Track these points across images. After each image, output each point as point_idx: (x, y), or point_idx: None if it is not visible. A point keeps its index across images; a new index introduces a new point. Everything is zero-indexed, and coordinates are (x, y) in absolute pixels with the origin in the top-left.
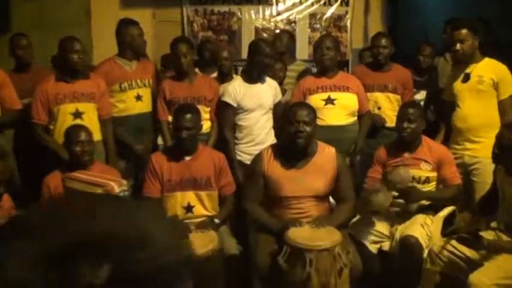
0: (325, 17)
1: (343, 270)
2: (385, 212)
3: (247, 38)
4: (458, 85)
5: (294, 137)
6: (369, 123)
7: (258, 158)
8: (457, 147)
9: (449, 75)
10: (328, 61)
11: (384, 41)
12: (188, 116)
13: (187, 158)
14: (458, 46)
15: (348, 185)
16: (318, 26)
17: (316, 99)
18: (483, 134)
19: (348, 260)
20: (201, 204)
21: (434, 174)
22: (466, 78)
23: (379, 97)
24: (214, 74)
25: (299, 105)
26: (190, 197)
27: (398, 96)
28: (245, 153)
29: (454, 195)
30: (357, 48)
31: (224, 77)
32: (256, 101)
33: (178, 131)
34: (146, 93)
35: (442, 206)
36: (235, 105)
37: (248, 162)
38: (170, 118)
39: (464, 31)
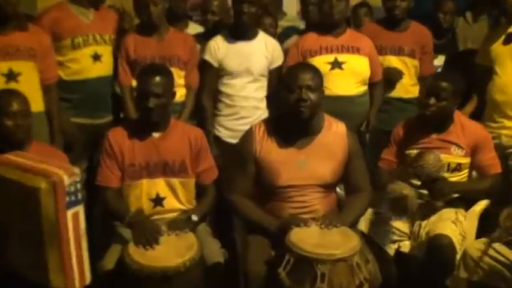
0: None
1: (363, 286)
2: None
3: None
4: (498, 47)
5: (295, 107)
6: (382, 95)
7: (247, 136)
8: (493, 124)
9: (483, 35)
10: (338, 14)
11: None
12: (157, 79)
13: (156, 135)
14: None
15: (362, 171)
16: None
17: (320, 62)
18: None
19: (368, 271)
20: (173, 195)
21: (467, 160)
22: (509, 39)
23: (394, 61)
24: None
25: (301, 66)
26: (159, 185)
27: (416, 62)
28: (225, 127)
29: (493, 186)
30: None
31: (210, 36)
32: (242, 62)
33: (144, 99)
34: (106, 51)
35: (474, 199)
36: (215, 64)
37: (228, 140)
38: (134, 83)
39: None
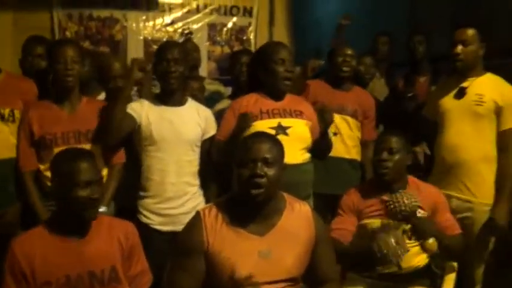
0: (225, 28)
1: None
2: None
3: (133, 50)
4: (448, 101)
5: (248, 185)
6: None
7: (193, 225)
8: (441, 186)
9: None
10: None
11: (350, 51)
12: (83, 165)
13: (76, 239)
14: (459, 48)
15: (330, 259)
16: (218, 38)
17: (262, 128)
18: (478, 171)
19: None
20: None
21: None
22: (461, 93)
23: (337, 119)
24: (101, 96)
25: (256, 135)
26: None
27: (359, 123)
28: (152, 211)
29: (461, 247)
30: None
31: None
32: (170, 129)
33: (69, 191)
34: (4, 130)
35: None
36: (137, 119)
37: (158, 228)
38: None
39: (470, 31)
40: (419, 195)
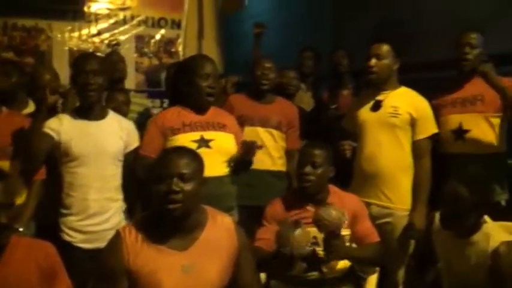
0: (153, 40)
1: None
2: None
3: (58, 61)
4: (365, 113)
5: (164, 201)
6: None
7: (113, 244)
8: (361, 194)
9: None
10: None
11: (269, 63)
12: None
13: None
14: (373, 62)
15: (252, 268)
16: (146, 50)
17: (184, 141)
18: (395, 179)
19: None
20: None
21: (349, 232)
22: (377, 106)
23: (261, 133)
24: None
25: (174, 150)
26: None
27: (283, 135)
28: (74, 229)
29: (378, 256)
30: None
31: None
32: (91, 144)
33: None
34: None
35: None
36: (55, 137)
37: (81, 245)
38: None
39: (385, 47)
40: (341, 204)
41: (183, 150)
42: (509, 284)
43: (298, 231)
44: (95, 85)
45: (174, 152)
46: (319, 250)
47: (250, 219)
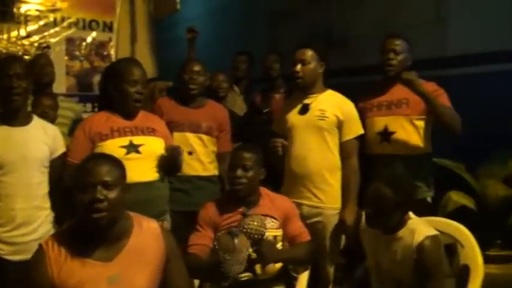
0: (85, 43)
1: None
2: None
3: None
4: (294, 116)
5: (89, 210)
6: None
7: (37, 259)
8: (293, 195)
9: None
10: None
11: (197, 67)
12: None
13: None
14: (299, 67)
15: (182, 274)
16: (77, 53)
17: (113, 147)
18: (325, 180)
19: None
20: None
21: (281, 232)
22: (305, 109)
23: (191, 138)
24: None
25: (95, 157)
26: None
27: (214, 139)
28: (4, 242)
29: (309, 254)
30: None
31: None
32: (15, 151)
33: None
34: None
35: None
36: None
37: (10, 258)
38: None
39: (309, 52)
40: (272, 205)
41: (103, 158)
42: (433, 276)
43: (239, 238)
44: (19, 89)
45: (94, 159)
46: (252, 252)
47: (183, 224)
